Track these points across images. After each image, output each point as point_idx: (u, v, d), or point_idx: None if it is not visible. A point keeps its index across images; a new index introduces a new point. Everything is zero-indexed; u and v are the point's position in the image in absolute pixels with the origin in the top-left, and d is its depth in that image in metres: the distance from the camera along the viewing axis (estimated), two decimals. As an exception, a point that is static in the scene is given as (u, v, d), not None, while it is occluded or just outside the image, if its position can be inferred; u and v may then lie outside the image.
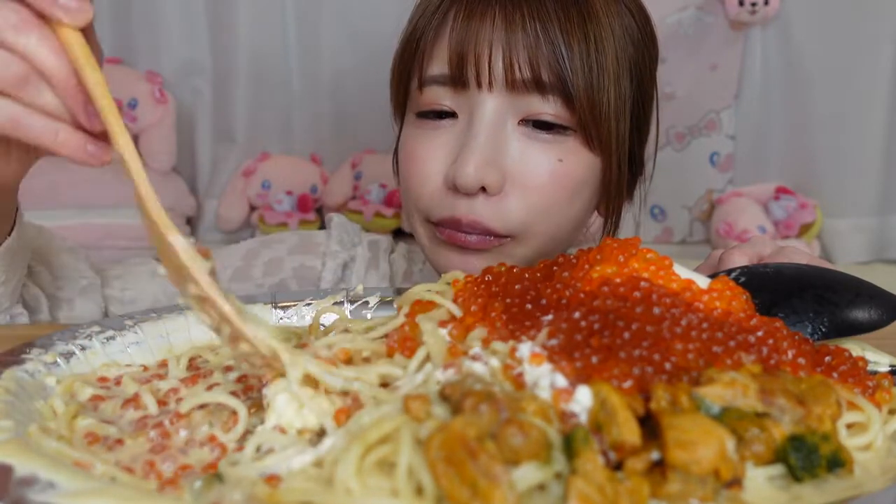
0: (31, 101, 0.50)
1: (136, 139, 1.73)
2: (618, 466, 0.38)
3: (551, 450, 0.37)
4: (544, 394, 0.41)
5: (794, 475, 0.40)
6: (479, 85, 0.77)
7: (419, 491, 0.36)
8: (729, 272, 0.61)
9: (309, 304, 0.67)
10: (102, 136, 0.50)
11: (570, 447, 0.37)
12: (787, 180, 1.80)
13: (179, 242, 0.46)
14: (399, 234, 1.70)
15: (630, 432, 0.39)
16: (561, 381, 0.41)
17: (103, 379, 0.53)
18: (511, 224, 0.79)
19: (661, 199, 1.86)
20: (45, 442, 0.43)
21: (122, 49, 1.76)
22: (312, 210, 1.83)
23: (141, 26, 1.76)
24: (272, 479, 0.39)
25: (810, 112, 1.76)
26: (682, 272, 0.50)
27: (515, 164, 0.78)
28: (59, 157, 0.53)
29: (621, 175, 0.83)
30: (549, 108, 0.77)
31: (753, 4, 1.69)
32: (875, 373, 0.49)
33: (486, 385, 0.40)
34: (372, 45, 1.68)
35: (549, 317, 0.46)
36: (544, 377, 0.41)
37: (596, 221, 0.89)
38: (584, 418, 0.39)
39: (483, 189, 0.77)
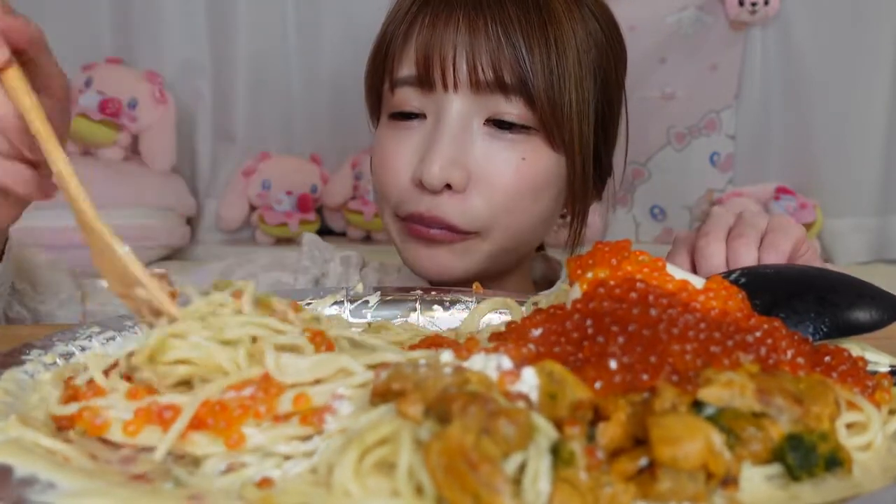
0: None
1: (136, 139, 1.73)
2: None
3: (535, 432, 0.37)
4: (492, 374, 0.41)
5: (792, 474, 0.40)
6: (444, 86, 0.80)
7: (419, 491, 0.36)
8: (728, 274, 0.61)
9: (309, 304, 0.66)
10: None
11: (555, 459, 0.37)
12: (787, 180, 1.81)
13: (123, 250, 0.49)
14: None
15: (583, 390, 0.40)
16: (507, 363, 0.42)
17: None
18: (474, 221, 0.82)
19: (661, 199, 1.86)
20: (26, 434, 0.42)
21: (122, 49, 1.76)
22: (312, 210, 1.83)
23: (141, 26, 1.76)
24: (264, 483, 0.39)
25: (810, 112, 1.77)
26: (676, 273, 0.51)
27: (480, 162, 0.81)
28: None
29: (586, 175, 0.86)
30: (512, 108, 0.80)
31: (753, 4, 1.70)
32: (875, 373, 0.49)
33: (426, 368, 0.41)
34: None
35: (539, 331, 0.46)
36: (490, 359, 0.42)
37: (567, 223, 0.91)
38: (534, 396, 0.40)
39: (448, 186, 0.80)
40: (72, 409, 0.44)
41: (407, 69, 0.82)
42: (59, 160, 0.50)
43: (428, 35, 0.80)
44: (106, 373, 0.48)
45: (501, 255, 0.85)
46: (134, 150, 1.75)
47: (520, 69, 0.78)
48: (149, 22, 1.76)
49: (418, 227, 0.82)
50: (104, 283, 0.89)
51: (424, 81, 0.81)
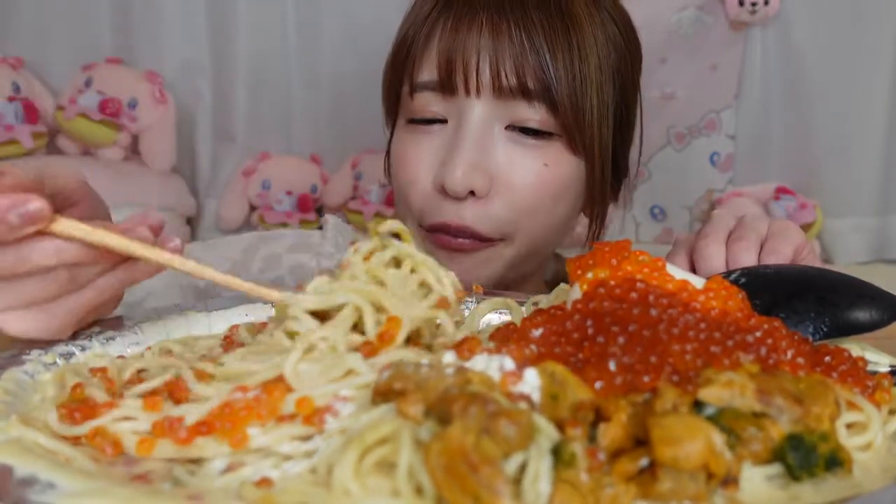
0: (95, 278, 0.52)
1: (136, 139, 1.73)
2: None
3: (537, 432, 0.37)
4: (494, 375, 0.41)
5: (792, 474, 0.40)
6: (467, 91, 0.80)
7: (419, 491, 0.36)
8: (728, 274, 0.61)
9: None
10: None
11: (556, 460, 0.37)
12: (787, 180, 1.81)
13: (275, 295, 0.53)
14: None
15: (584, 391, 0.40)
16: (509, 363, 0.42)
17: (94, 371, 0.53)
18: (498, 226, 0.81)
19: (661, 199, 1.86)
20: (26, 434, 0.42)
21: (122, 49, 1.76)
22: (312, 210, 1.83)
23: (141, 26, 1.76)
24: (263, 482, 0.39)
25: (810, 112, 1.76)
26: (676, 273, 0.51)
27: (502, 168, 0.80)
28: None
29: (605, 178, 0.86)
30: (534, 114, 0.80)
31: (753, 4, 1.69)
32: (875, 373, 0.49)
33: (428, 368, 0.41)
34: (372, 45, 1.68)
35: (539, 331, 0.46)
36: (493, 360, 0.42)
37: (583, 222, 0.91)
38: (536, 397, 0.40)
39: (471, 192, 0.79)
40: (81, 430, 0.44)
41: (428, 73, 0.82)
42: (149, 255, 0.51)
43: (450, 39, 0.80)
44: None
45: (523, 260, 0.85)
46: (134, 150, 1.75)
47: (543, 75, 0.78)
48: (149, 22, 1.76)
49: (443, 236, 0.81)
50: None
51: (446, 86, 0.80)
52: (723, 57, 1.78)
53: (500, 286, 0.84)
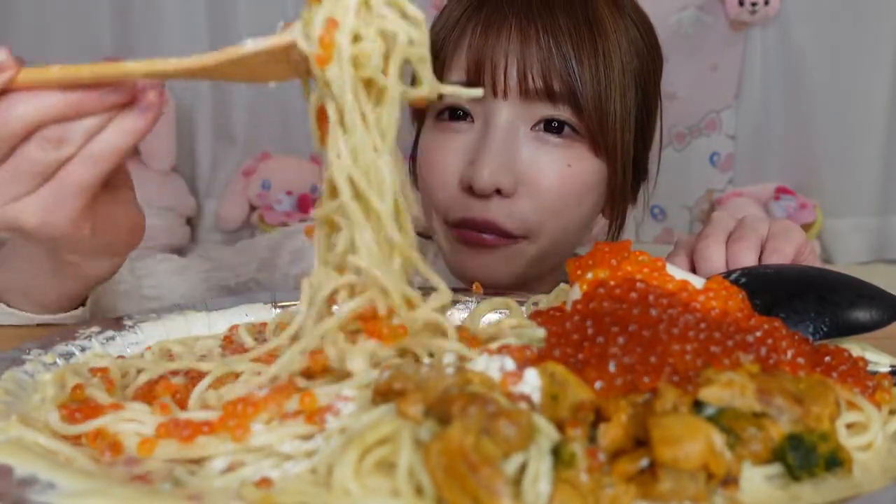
0: (86, 136, 0.51)
1: (136, 139, 1.73)
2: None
3: (536, 433, 0.37)
4: (494, 375, 0.41)
5: (792, 474, 0.40)
6: (494, 93, 0.82)
7: (419, 491, 0.36)
8: (728, 274, 0.61)
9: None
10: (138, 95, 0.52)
11: (556, 460, 0.37)
12: (787, 180, 1.81)
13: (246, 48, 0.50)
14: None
15: (585, 392, 0.41)
16: (510, 364, 0.42)
17: (95, 371, 0.53)
18: (522, 224, 0.83)
19: (661, 199, 1.86)
20: (26, 434, 0.42)
21: (122, 49, 1.76)
22: (312, 210, 1.83)
23: (141, 26, 1.76)
24: (263, 482, 0.39)
25: (810, 112, 1.77)
26: (676, 273, 0.51)
27: (527, 167, 0.82)
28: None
29: (626, 180, 0.88)
30: (559, 115, 0.82)
31: (753, 4, 1.70)
32: (875, 373, 0.49)
33: (428, 368, 0.41)
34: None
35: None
36: (493, 360, 0.42)
37: (600, 223, 0.93)
38: (536, 397, 0.40)
39: (497, 191, 0.81)
40: (83, 428, 0.44)
41: (457, 75, 0.84)
42: (122, 70, 0.49)
43: (480, 43, 0.82)
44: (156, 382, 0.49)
45: (544, 258, 0.87)
46: (134, 150, 1.75)
47: (569, 79, 0.80)
48: (149, 22, 1.76)
49: (469, 231, 0.83)
50: (156, 265, 0.90)
51: (474, 87, 0.82)
52: (723, 57, 1.78)
53: (519, 284, 0.85)
